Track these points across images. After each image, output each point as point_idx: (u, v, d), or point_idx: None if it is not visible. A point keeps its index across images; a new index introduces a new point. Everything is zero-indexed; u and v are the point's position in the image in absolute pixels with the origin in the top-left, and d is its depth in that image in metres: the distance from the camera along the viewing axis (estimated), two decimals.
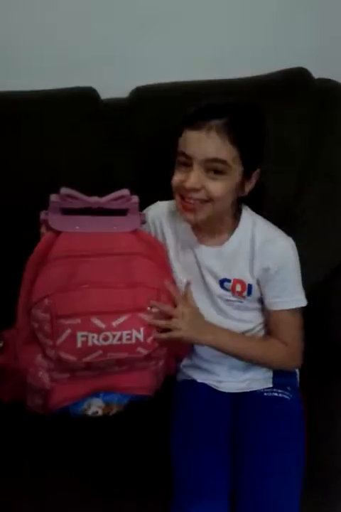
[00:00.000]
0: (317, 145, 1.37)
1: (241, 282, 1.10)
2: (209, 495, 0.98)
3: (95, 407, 1.04)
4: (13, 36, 1.28)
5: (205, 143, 0.98)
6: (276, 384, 1.15)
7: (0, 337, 1.13)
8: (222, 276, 1.11)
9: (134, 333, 0.97)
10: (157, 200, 1.20)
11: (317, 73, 1.37)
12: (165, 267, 1.09)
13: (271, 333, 1.14)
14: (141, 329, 0.98)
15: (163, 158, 1.26)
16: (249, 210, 1.13)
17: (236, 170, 1.01)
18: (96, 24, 1.29)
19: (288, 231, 1.13)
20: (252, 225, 1.10)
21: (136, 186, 1.08)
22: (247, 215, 1.12)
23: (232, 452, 1.06)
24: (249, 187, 1.06)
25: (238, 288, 1.10)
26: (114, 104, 1.32)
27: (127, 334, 0.96)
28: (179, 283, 1.13)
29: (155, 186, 1.13)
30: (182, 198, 1.03)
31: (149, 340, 0.99)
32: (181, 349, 1.15)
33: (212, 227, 1.09)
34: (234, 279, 1.10)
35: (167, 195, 1.18)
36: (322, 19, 1.42)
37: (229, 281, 1.10)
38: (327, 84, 1.39)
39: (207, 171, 1.00)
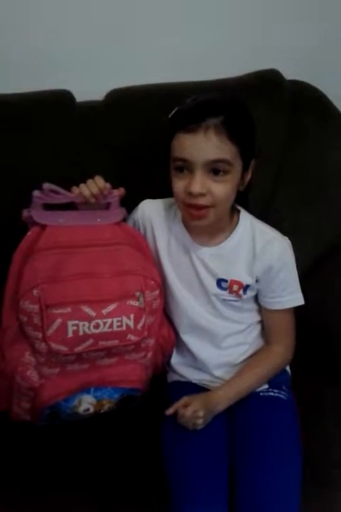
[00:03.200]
0: (291, 144, 1.40)
1: (238, 283, 1.10)
2: (207, 500, 0.96)
3: (86, 403, 1.02)
4: None
5: (205, 145, 0.95)
6: (272, 383, 1.14)
7: None
8: (220, 276, 1.10)
9: (124, 319, 0.97)
10: (136, 201, 1.19)
11: (288, 75, 1.41)
12: (148, 257, 1.09)
13: (268, 331, 1.16)
14: (131, 316, 0.98)
15: (140, 160, 1.30)
16: (243, 210, 1.13)
17: (238, 166, 1.00)
18: (71, 26, 1.30)
19: None
20: (250, 225, 1.11)
21: (114, 185, 1.08)
22: (244, 215, 1.12)
23: (229, 454, 1.04)
24: (247, 179, 1.05)
25: (235, 288, 1.10)
26: (90, 107, 1.32)
27: (117, 321, 0.96)
28: (171, 282, 1.13)
29: (133, 188, 1.12)
30: (188, 205, 1.00)
31: (139, 326, 0.99)
32: (167, 342, 1.14)
33: (211, 227, 1.07)
34: (231, 280, 1.10)
35: (143, 193, 1.20)
36: (294, 21, 1.46)
37: (226, 281, 1.10)
38: (298, 86, 1.43)
39: (209, 173, 0.97)
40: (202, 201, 0.98)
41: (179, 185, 1.00)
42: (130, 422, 1.12)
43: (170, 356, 1.19)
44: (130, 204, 1.17)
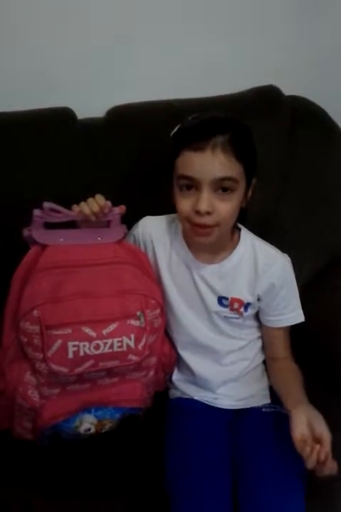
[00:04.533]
0: (292, 160, 1.40)
1: (239, 301, 1.10)
2: None
3: (87, 423, 1.02)
4: None
5: (212, 163, 0.94)
6: (273, 399, 1.13)
7: None
8: (221, 293, 1.10)
9: (125, 339, 0.96)
10: (136, 218, 1.18)
11: (287, 91, 1.41)
12: (150, 275, 1.09)
13: (268, 347, 1.17)
14: (132, 336, 0.97)
15: (141, 177, 1.30)
16: (243, 228, 1.13)
17: (242, 184, 1.00)
18: (72, 44, 1.29)
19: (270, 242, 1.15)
20: (251, 243, 1.11)
21: (115, 202, 1.07)
22: (245, 234, 1.12)
23: (233, 473, 1.03)
24: (249, 196, 1.05)
25: (235, 305, 1.10)
26: (91, 124, 1.32)
27: (118, 341, 0.96)
28: (171, 299, 1.13)
29: (135, 205, 1.12)
30: (194, 224, 1.00)
31: (140, 346, 0.98)
32: (169, 360, 1.14)
33: (213, 245, 1.06)
34: (231, 298, 1.10)
35: (144, 210, 1.20)
36: (293, 37, 1.46)
37: (226, 298, 1.10)
38: (297, 101, 1.43)
39: (216, 191, 0.97)
40: (208, 221, 0.98)
41: (185, 203, 0.99)
42: (132, 439, 1.11)
43: (171, 373, 1.19)
44: (131, 221, 1.17)
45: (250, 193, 1.06)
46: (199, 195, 0.96)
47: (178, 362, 1.18)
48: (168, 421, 1.13)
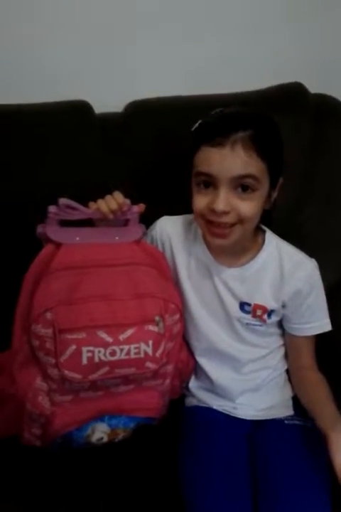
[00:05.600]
0: (316, 159, 1.36)
1: (262, 307, 1.05)
2: None
3: (100, 432, 0.98)
4: (2, 48, 1.24)
5: (232, 160, 0.90)
6: (296, 410, 1.08)
7: None
8: (243, 299, 1.05)
9: (143, 346, 0.91)
10: (154, 213, 1.14)
11: (313, 88, 1.37)
12: (169, 278, 1.04)
13: (293, 357, 1.11)
14: (150, 342, 0.92)
15: (160, 174, 1.27)
16: (268, 230, 1.08)
17: (265, 183, 0.94)
18: (89, 36, 1.27)
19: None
20: (276, 247, 1.06)
21: (134, 200, 1.03)
22: (270, 236, 1.07)
23: (252, 486, 0.98)
24: (274, 197, 1.00)
25: (258, 312, 1.05)
26: (109, 119, 1.29)
27: (135, 348, 0.91)
28: (190, 304, 1.08)
29: (152, 202, 1.07)
30: (210, 222, 0.95)
31: (158, 353, 0.93)
32: (186, 367, 1.09)
33: (234, 247, 1.01)
34: (254, 304, 1.05)
35: (163, 208, 1.16)
36: (319, 33, 1.42)
37: (249, 305, 1.05)
38: (323, 100, 1.39)
39: (235, 189, 0.92)
40: (225, 219, 0.93)
41: (201, 201, 0.95)
42: (145, 447, 1.07)
43: (188, 381, 1.14)
44: (149, 220, 1.12)
45: (275, 194, 1.00)
46: (216, 193, 0.92)
47: (196, 369, 1.13)
48: (183, 430, 1.08)
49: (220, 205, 0.91)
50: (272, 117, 0.98)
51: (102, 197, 1.00)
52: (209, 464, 0.99)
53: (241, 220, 0.94)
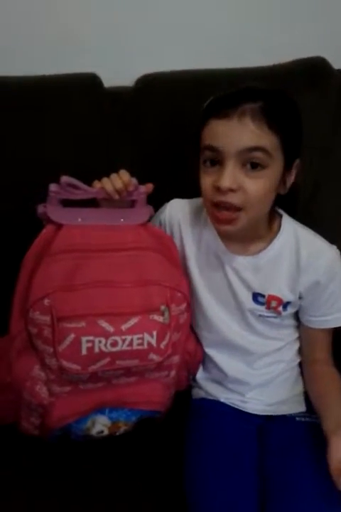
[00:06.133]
0: (337, 138, 1.27)
1: (277, 299, 0.98)
2: None
3: (100, 425, 0.94)
4: (11, 18, 1.20)
5: (239, 131, 0.84)
6: (309, 407, 1.02)
7: None
8: (256, 289, 0.99)
9: (146, 337, 0.87)
10: (163, 195, 1.07)
11: (337, 64, 1.28)
12: (177, 265, 0.98)
13: (307, 350, 1.06)
14: (154, 333, 0.87)
15: (170, 151, 1.21)
16: (286, 215, 1.01)
17: (278, 160, 0.87)
18: (99, 7, 1.21)
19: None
20: (294, 233, 0.98)
21: (142, 180, 0.97)
22: (288, 222, 1.00)
23: (260, 484, 0.93)
24: (290, 181, 0.92)
25: (273, 304, 0.99)
26: (119, 93, 1.22)
27: (138, 338, 0.86)
28: (199, 293, 1.02)
29: (161, 180, 1.01)
30: (216, 205, 0.89)
31: (162, 344, 0.88)
32: (193, 358, 1.04)
33: (246, 234, 0.95)
34: (268, 295, 0.98)
35: (173, 189, 1.10)
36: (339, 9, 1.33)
37: (263, 296, 0.99)
38: None
39: (244, 166, 0.85)
40: (231, 199, 0.86)
41: (206, 180, 0.89)
42: (148, 440, 1.03)
43: (195, 372, 1.10)
44: (157, 202, 1.06)
45: (293, 177, 0.93)
46: (222, 170, 0.85)
47: (204, 360, 1.08)
48: (189, 423, 1.04)
49: (226, 181, 0.84)
50: (288, 93, 0.91)
51: (107, 175, 0.94)
52: (216, 458, 0.95)
53: (248, 202, 0.86)
